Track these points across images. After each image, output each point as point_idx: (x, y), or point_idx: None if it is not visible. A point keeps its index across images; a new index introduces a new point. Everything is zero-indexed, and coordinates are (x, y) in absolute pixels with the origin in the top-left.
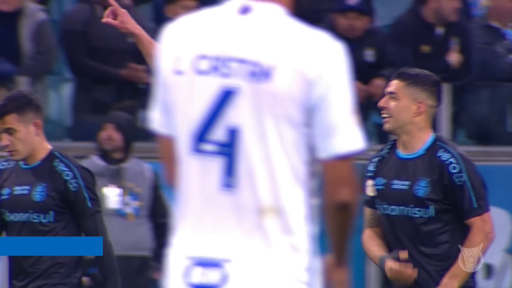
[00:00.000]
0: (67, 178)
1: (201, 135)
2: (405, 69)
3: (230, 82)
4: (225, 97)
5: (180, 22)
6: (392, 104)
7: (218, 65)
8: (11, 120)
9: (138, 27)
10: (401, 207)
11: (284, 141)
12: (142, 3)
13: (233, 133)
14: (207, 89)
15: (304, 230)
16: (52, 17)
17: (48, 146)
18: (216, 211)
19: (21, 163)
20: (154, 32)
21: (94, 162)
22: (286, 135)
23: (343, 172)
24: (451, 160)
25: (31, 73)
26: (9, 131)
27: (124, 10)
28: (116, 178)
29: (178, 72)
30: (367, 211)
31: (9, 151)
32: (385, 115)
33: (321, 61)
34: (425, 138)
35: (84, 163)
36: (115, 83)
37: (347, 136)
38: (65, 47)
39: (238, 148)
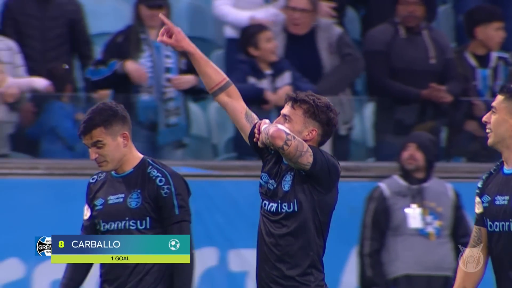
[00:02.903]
0: (160, 184)
1: None
2: (509, 84)
3: None
4: None
5: None
6: (492, 118)
7: None
8: (98, 133)
9: (193, 45)
10: (502, 223)
11: None
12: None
13: None
14: None
15: None
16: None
17: (140, 155)
18: None
19: (112, 173)
20: (455, 53)
21: (396, 181)
22: None
23: None
24: None
25: (333, 89)
26: (97, 144)
27: (179, 29)
28: (417, 198)
29: None
30: (474, 229)
31: (98, 162)
32: (487, 130)
33: None
34: None
35: (386, 182)
36: (416, 103)
37: None
38: (366, 67)
39: None
